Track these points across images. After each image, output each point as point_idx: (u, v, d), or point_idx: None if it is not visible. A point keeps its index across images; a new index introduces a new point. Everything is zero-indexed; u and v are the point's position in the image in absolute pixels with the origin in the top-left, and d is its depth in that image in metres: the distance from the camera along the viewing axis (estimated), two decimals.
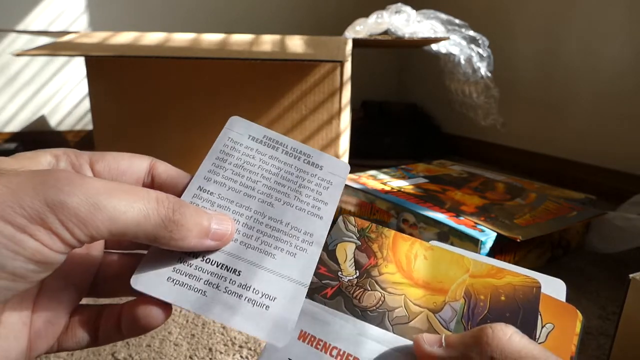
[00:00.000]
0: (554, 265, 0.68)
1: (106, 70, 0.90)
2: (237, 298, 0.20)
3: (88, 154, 0.21)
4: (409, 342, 0.22)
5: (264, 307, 0.20)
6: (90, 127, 1.48)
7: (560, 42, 1.16)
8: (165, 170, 0.22)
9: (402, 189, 0.77)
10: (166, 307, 0.20)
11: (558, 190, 0.82)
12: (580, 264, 0.69)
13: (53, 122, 1.47)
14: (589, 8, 1.08)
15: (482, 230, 0.61)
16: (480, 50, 1.04)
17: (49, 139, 1.45)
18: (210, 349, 0.48)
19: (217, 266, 0.21)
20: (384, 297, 0.23)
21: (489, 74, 1.05)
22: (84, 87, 1.45)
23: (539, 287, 0.23)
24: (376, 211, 0.74)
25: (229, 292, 0.20)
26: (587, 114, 1.11)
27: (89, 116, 1.31)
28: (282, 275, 0.21)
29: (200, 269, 0.21)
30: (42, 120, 1.46)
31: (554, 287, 0.24)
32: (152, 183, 0.22)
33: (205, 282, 0.20)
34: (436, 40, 1.00)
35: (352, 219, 0.27)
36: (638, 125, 0.99)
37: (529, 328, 0.22)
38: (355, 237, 0.26)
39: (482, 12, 1.38)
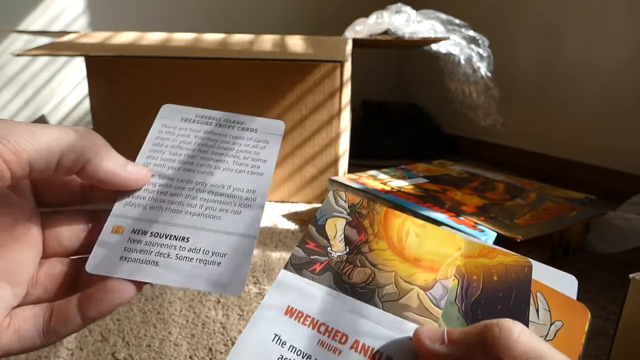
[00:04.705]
0: (554, 265, 0.68)
1: (106, 70, 0.90)
2: (189, 261, 0.22)
3: None
4: (398, 319, 0.21)
5: (216, 264, 0.22)
6: (90, 127, 1.48)
7: (560, 42, 1.16)
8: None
9: (402, 189, 0.77)
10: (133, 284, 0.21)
11: (558, 190, 0.82)
12: (580, 264, 0.69)
13: (53, 122, 1.47)
14: (589, 8, 1.08)
15: (482, 230, 0.61)
16: (480, 50, 1.04)
17: None
18: (210, 349, 0.48)
19: (167, 238, 0.22)
20: (374, 274, 0.23)
21: (489, 74, 1.05)
22: (84, 87, 1.45)
23: (530, 267, 0.23)
24: None
25: (180, 258, 0.22)
26: (587, 114, 1.11)
27: (89, 116, 1.31)
28: (230, 233, 0.23)
29: (150, 243, 0.22)
30: (42, 120, 1.46)
31: (564, 283, 0.23)
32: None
33: (157, 254, 0.22)
34: (436, 40, 1.00)
35: (342, 194, 0.26)
36: (638, 125, 0.99)
37: (521, 308, 0.21)
38: (345, 213, 0.25)
39: (482, 12, 1.38)
